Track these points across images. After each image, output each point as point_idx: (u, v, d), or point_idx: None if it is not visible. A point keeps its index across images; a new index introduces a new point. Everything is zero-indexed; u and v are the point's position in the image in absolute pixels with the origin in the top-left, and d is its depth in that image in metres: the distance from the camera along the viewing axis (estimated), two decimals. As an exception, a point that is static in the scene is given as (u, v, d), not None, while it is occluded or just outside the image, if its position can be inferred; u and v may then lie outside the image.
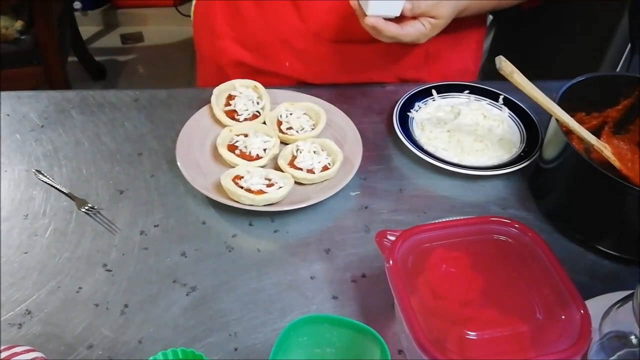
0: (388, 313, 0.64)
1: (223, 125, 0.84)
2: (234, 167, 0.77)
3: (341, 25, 0.90)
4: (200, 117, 0.85)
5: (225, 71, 0.99)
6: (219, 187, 0.74)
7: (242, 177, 0.74)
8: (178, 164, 0.76)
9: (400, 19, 0.78)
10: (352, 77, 0.96)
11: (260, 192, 0.72)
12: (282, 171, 0.77)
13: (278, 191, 0.72)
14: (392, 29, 0.77)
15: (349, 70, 0.96)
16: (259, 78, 0.90)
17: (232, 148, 0.80)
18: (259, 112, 0.85)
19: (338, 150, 0.79)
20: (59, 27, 2.01)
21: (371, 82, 0.96)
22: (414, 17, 0.78)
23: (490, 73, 0.80)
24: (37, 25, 1.91)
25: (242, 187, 0.72)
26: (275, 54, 0.95)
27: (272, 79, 0.96)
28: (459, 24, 0.89)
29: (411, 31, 0.78)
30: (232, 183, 0.73)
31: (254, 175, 0.74)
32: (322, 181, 0.77)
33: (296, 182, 0.76)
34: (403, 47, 0.94)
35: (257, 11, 0.93)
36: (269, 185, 0.73)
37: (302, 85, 0.96)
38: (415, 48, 0.94)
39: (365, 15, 0.76)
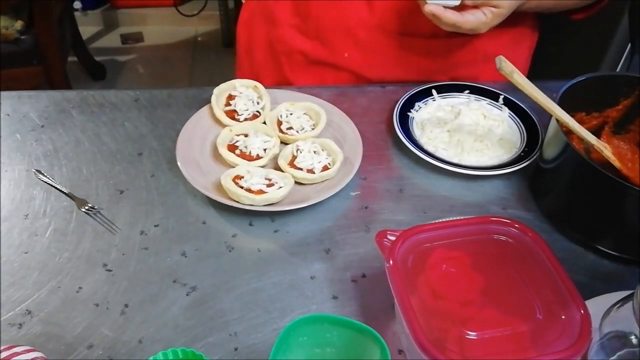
0: (388, 313, 0.64)
1: (223, 125, 0.84)
2: (234, 167, 0.77)
3: (407, 17, 0.91)
4: (200, 117, 0.85)
5: (280, 61, 1.00)
6: (219, 187, 0.74)
7: (242, 177, 0.74)
8: (178, 163, 0.76)
9: (461, 7, 0.79)
10: (407, 70, 0.97)
11: (261, 192, 0.72)
12: (282, 171, 0.77)
13: (278, 191, 0.72)
14: (451, 17, 0.78)
15: (407, 64, 0.96)
16: (314, 68, 0.90)
17: (232, 148, 0.80)
18: (259, 112, 0.85)
19: (338, 150, 0.79)
20: (59, 27, 2.01)
21: (424, 78, 0.96)
22: (476, 6, 0.79)
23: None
24: (37, 25, 1.91)
25: (242, 187, 0.72)
26: (336, 42, 0.96)
27: (327, 70, 0.98)
28: (517, 25, 0.89)
29: (471, 19, 0.79)
30: (232, 183, 0.73)
31: (254, 175, 0.74)
32: (322, 181, 0.77)
33: (296, 182, 0.76)
34: (463, 45, 0.95)
35: None
36: (269, 185, 0.73)
37: (355, 78, 0.97)
38: (474, 47, 0.95)
39: (426, 3, 0.77)
